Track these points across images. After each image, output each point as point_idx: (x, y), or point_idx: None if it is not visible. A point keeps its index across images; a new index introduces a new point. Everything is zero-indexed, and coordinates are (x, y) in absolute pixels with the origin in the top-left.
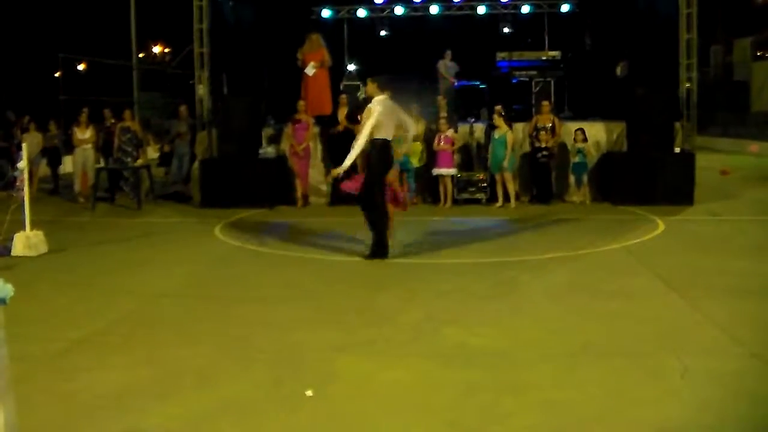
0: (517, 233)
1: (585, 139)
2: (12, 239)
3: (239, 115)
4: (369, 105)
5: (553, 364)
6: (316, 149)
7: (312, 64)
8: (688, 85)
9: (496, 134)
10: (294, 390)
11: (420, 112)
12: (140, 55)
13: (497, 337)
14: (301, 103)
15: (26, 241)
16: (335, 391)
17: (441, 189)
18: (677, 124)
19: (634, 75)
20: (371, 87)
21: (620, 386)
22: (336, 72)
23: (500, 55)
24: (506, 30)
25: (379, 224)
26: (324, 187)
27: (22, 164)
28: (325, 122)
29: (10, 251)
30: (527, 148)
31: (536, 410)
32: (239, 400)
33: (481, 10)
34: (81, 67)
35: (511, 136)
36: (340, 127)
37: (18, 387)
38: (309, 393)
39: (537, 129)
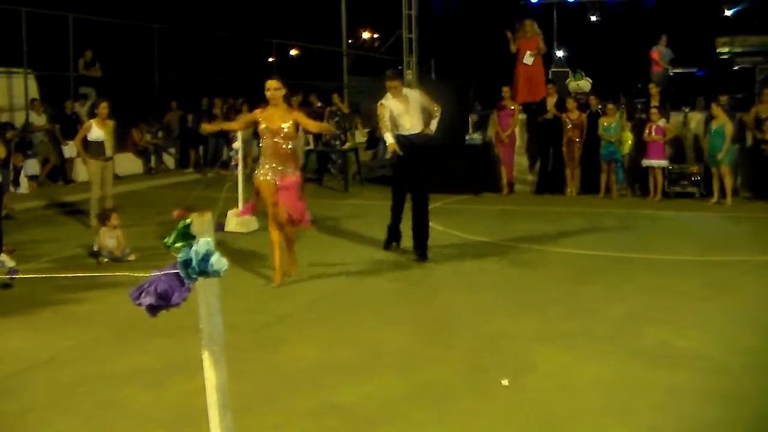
0: (732, 231)
1: None
2: (226, 216)
3: (446, 99)
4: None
5: None
6: (522, 137)
7: (529, 53)
8: None
9: (714, 125)
10: (490, 378)
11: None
12: (350, 41)
13: (706, 341)
14: (506, 89)
15: (239, 219)
16: (531, 383)
17: (651, 181)
18: None
19: None
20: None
21: None
22: (545, 59)
23: (720, 41)
24: (728, 12)
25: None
26: (530, 177)
27: (237, 144)
28: (533, 110)
29: (223, 227)
30: (748, 140)
31: (747, 423)
32: (434, 384)
33: None
34: (293, 52)
35: (730, 128)
36: (549, 115)
37: (228, 354)
38: (505, 382)
39: (759, 120)
